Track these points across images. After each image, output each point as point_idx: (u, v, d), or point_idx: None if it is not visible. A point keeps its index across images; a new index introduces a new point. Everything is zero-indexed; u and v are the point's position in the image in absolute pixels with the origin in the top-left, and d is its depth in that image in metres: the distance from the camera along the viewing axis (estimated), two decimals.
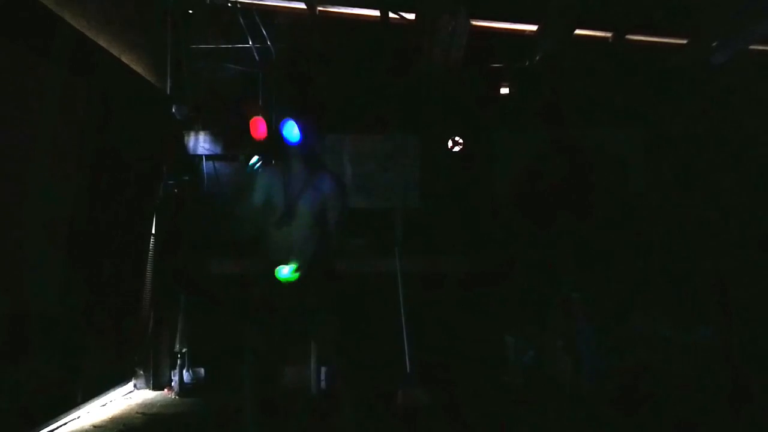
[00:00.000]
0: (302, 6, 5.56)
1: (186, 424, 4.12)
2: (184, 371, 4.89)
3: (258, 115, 4.10)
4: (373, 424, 4.07)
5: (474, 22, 5.19)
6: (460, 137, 5.72)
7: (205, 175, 5.66)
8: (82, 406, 4.13)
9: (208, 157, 5.66)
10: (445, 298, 5.36)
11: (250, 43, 5.53)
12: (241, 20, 5.35)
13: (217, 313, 5.18)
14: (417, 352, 4.58)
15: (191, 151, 5.59)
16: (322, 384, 4.79)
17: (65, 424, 3.91)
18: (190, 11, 5.44)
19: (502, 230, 5.61)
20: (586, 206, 5.58)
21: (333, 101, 5.65)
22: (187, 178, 5.33)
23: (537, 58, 5.46)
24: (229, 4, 5.32)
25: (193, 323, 5.01)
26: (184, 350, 4.91)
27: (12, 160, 3.30)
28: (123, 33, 4.53)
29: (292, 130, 3.00)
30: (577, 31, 5.37)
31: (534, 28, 5.40)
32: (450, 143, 5.72)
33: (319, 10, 5.68)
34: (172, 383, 4.86)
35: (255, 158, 3.36)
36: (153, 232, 4.95)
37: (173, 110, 5.18)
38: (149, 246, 4.92)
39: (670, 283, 5.36)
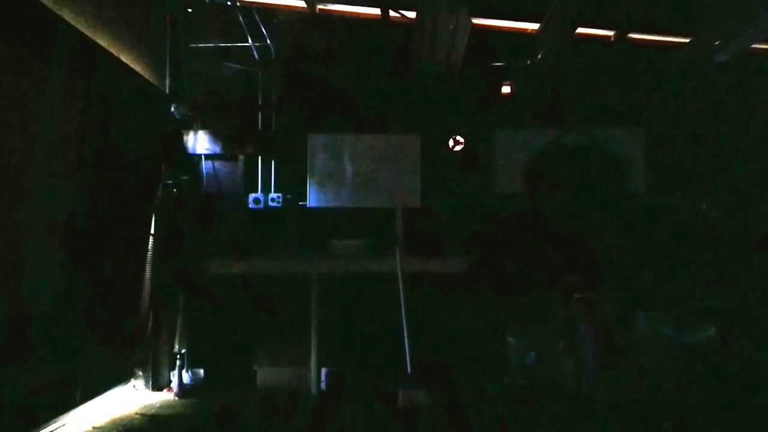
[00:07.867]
0: (302, 4, 5.55)
1: (185, 425, 4.10)
2: (184, 372, 4.88)
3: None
4: (373, 424, 4.08)
5: (475, 21, 5.17)
6: (461, 136, 5.71)
7: (205, 175, 5.65)
8: (81, 406, 4.11)
9: (207, 157, 5.65)
10: (446, 298, 5.35)
11: (250, 41, 5.51)
12: (241, 19, 5.33)
13: (216, 313, 5.17)
14: (417, 352, 4.57)
15: (190, 151, 5.57)
16: (322, 385, 4.79)
17: (65, 424, 3.90)
18: (190, 10, 5.42)
19: (503, 230, 5.59)
20: (586, 206, 5.57)
21: (333, 101, 5.64)
22: (186, 177, 5.31)
23: (538, 57, 5.45)
24: (229, 3, 5.30)
25: (193, 324, 5.00)
26: (183, 351, 4.90)
27: (12, 160, 3.29)
28: (122, 32, 4.52)
29: None
30: (579, 30, 5.36)
31: (536, 26, 5.39)
32: (451, 142, 5.71)
33: (320, 9, 5.67)
34: (172, 384, 4.85)
35: None
36: (153, 232, 4.93)
37: (172, 109, 5.17)
38: (149, 246, 4.91)
39: (671, 283, 5.35)
